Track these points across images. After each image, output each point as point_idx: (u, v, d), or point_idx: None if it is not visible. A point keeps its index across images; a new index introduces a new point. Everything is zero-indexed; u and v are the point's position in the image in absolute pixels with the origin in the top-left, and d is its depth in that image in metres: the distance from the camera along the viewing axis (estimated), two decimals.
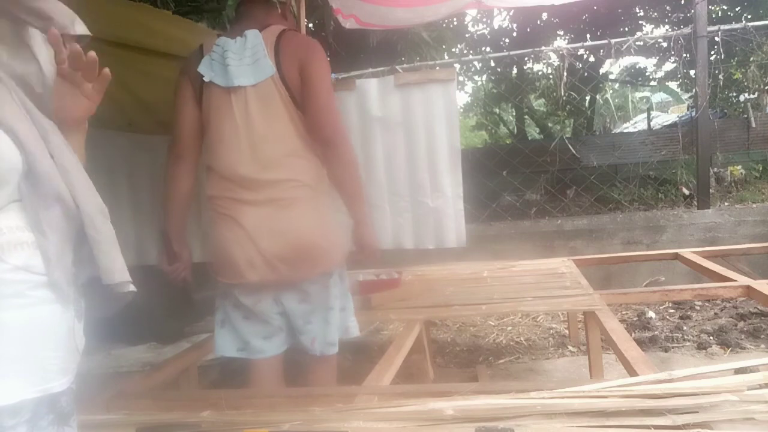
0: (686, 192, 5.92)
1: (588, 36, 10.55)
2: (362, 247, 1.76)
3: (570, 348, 3.23)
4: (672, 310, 3.72)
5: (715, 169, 6.93)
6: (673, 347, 3.05)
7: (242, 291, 1.67)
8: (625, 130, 15.68)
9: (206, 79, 1.59)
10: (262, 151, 1.58)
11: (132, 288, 0.88)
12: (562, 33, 11.51)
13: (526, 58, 11.37)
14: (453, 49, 9.53)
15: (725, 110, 11.02)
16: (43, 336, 0.78)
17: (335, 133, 1.61)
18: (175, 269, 1.75)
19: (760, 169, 7.70)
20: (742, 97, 11.21)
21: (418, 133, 2.90)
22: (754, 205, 4.81)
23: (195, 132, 1.65)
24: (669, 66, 12.49)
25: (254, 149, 1.58)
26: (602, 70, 12.34)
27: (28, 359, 0.76)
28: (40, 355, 0.77)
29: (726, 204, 5.68)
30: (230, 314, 1.72)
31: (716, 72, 4.52)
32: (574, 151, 7.38)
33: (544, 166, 6.86)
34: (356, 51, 5.78)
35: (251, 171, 1.59)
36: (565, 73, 4.46)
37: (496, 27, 11.78)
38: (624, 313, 3.75)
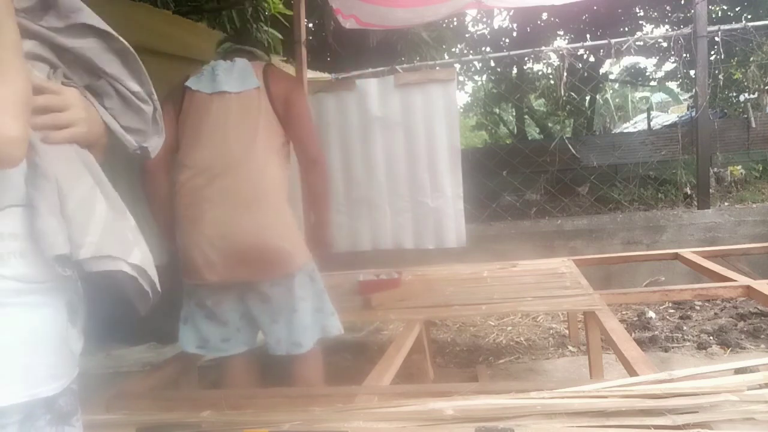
0: (686, 192, 5.92)
1: (588, 36, 10.55)
2: (318, 247, 1.89)
3: (570, 348, 3.23)
4: (672, 310, 3.72)
5: (715, 169, 6.93)
6: (673, 347, 3.05)
7: (205, 291, 1.74)
8: (625, 130, 15.65)
9: (193, 88, 1.73)
10: (233, 145, 1.69)
11: (120, 267, 0.81)
12: (562, 33, 11.52)
13: (526, 58, 11.37)
14: (453, 49, 9.53)
15: (725, 110, 11.00)
16: (30, 342, 0.78)
17: (319, 153, 1.87)
18: None
19: (760, 169, 7.70)
20: (742, 97, 11.21)
21: (418, 133, 2.90)
22: (754, 205, 4.81)
23: (171, 149, 1.74)
24: (669, 66, 12.51)
25: (226, 143, 1.69)
26: (602, 70, 12.35)
27: (14, 365, 0.76)
28: (26, 361, 0.77)
29: (726, 204, 5.67)
30: (193, 312, 1.80)
31: (716, 72, 4.51)
32: (574, 151, 7.37)
33: (544, 166, 6.85)
34: (356, 51, 5.78)
35: (220, 161, 1.68)
36: (565, 73, 4.45)
37: (496, 27, 11.81)
38: (624, 313, 3.74)
